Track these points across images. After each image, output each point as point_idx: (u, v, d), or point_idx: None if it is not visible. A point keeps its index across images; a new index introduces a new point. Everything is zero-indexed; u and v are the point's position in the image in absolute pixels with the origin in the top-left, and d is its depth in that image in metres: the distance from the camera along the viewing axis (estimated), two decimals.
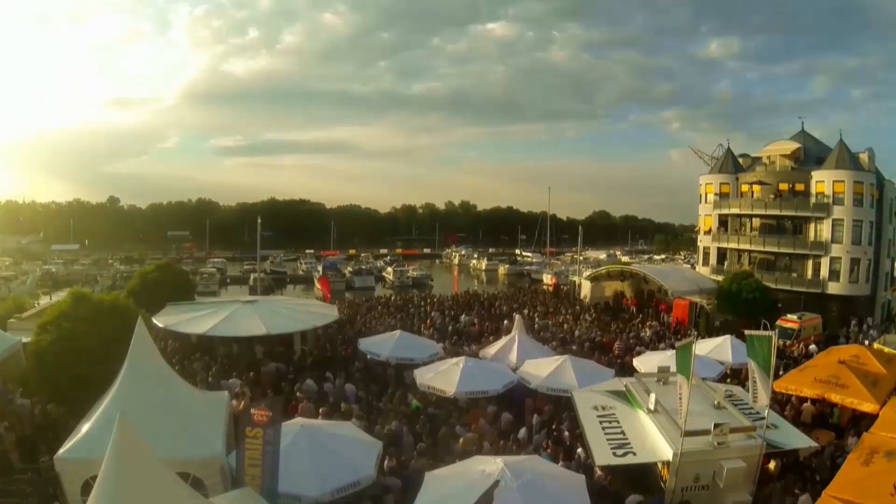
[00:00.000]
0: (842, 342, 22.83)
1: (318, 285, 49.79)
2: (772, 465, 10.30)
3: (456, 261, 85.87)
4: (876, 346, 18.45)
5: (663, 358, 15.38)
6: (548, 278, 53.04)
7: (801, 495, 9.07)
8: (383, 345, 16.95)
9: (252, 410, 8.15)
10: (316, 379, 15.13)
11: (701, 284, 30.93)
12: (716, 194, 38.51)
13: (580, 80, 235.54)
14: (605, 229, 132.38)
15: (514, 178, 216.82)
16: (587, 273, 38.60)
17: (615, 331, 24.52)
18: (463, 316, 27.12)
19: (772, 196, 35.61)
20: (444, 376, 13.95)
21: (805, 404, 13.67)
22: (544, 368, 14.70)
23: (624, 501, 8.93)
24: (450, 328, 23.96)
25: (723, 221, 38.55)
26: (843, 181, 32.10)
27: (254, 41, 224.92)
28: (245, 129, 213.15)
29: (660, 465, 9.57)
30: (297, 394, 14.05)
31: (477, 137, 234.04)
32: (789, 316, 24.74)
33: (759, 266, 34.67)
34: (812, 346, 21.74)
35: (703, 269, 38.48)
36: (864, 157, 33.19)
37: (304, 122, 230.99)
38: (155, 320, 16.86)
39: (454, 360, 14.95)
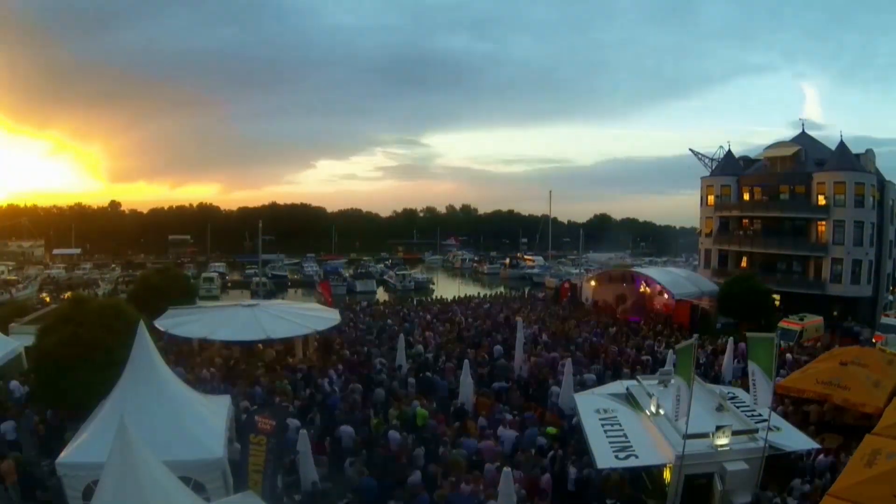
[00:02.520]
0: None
1: (318, 289, 49.74)
2: None
3: (457, 264, 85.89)
4: (878, 347, 18.44)
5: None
6: (549, 281, 52.99)
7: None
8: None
9: (256, 418, 8.19)
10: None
11: (702, 287, 30.84)
12: (717, 196, 38.55)
13: None
14: (606, 232, 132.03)
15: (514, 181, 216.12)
16: (588, 276, 38.53)
17: (615, 334, 24.36)
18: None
19: (772, 198, 35.64)
20: None
21: (812, 406, 13.60)
22: None
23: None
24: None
25: (724, 223, 38.55)
26: (844, 182, 32.13)
27: None
28: None
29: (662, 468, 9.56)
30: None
31: None
32: (791, 317, 24.68)
33: (761, 268, 34.65)
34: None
35: (704, 272, 38.45)
36: (864, 158, 33.21)
37: None
38: (156, 324, 16.86)
39: None
